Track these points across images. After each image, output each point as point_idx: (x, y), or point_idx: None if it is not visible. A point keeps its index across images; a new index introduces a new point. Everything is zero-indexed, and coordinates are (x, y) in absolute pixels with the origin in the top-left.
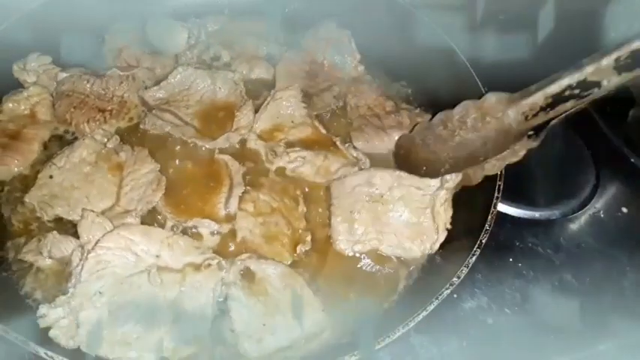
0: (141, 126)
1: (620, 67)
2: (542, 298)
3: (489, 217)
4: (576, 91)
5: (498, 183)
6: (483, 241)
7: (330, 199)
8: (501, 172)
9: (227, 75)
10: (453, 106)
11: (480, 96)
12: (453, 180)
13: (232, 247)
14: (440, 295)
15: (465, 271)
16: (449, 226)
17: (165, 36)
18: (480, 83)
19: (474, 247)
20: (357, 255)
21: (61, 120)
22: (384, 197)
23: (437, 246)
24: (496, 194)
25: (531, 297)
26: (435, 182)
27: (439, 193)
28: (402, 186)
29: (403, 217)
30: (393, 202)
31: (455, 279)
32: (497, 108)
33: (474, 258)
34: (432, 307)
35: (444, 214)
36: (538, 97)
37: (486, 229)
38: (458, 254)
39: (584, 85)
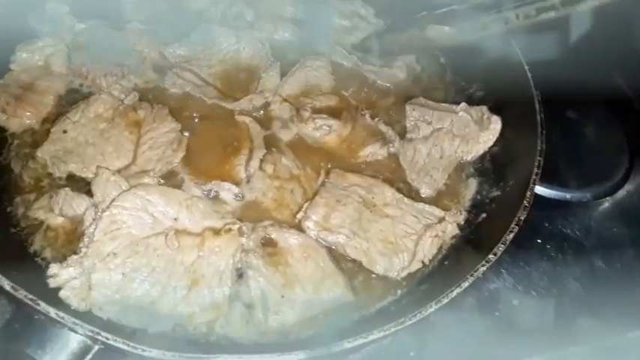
0: (160, 84)
1: None
2: (570, 281)
3: (528, 193)
4: None
5: (538, 158)
6: (522, 219)
7: (325, 179)
8: (542, 147)
9: (253, 34)
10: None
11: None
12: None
13: (250, 212)
14: (475, 272)
15: (502, 248)
16: (426, 262)
17: None
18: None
19: (511, 224)
20: (318, 240)
21: (76, 73)
22: (376, 207)
23: (404, 274)
24: (535, 170)
25: (559, 280)
26: (438, 212)
27: (436, 225)
28: (397, 208)
29: (384, 232)
30: (381, 216)
31: (491, 256)
32: None
33: (511, 235)
34: (466, 284)
35: (429, 248)
36: None
37: (525, 206)
38: (494, 231)
39: None
